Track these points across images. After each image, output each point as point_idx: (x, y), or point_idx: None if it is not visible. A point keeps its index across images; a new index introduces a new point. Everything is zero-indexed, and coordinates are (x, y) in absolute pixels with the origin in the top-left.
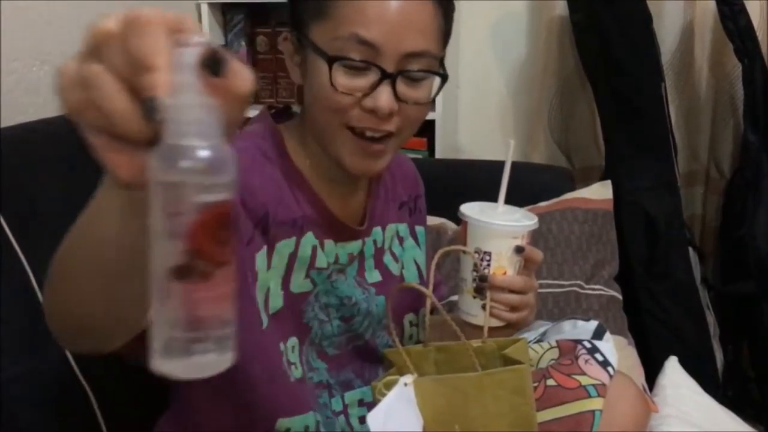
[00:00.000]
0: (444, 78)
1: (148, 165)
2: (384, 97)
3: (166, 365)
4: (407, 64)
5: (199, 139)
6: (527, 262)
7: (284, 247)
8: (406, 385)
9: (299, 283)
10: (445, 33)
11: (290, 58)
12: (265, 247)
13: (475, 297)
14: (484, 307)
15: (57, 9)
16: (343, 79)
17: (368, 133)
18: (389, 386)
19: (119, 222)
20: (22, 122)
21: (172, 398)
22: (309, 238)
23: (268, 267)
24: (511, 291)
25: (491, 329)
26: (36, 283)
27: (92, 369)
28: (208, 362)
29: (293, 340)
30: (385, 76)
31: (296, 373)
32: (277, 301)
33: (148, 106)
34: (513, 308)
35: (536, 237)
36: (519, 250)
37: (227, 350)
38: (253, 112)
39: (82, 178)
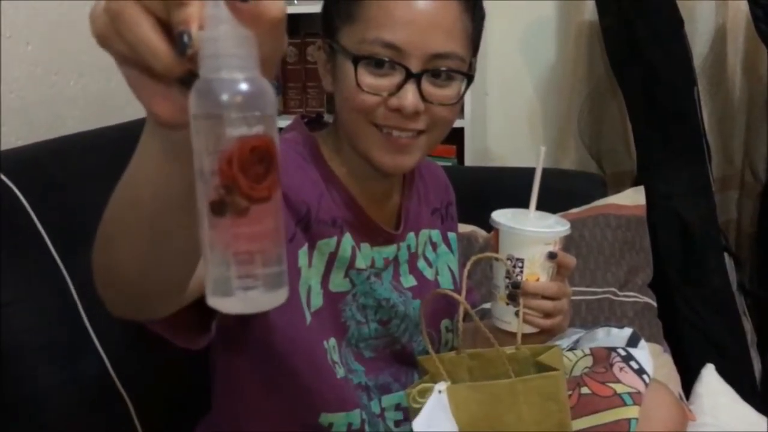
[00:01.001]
0: (470, 78)
1: (189, 103)
2: (409, 95)
3: (219, 302)
4: (433, 64)
5: (235, 71)
6: (560, 268)
7: (325, 245)
8: (440, 392)
9: (338, 282)
10: (473, 36)
11: (323, 66)
12: (306, 245)
13: (508, 304)
14: (517, 314)
15: None
16: (368, 78)
17: (395, 133)
18: (423, 394)
19: (162, 165)
20: (63, 135)
21: (214, 402)
22: (348, 239)
23: (309, 265)
24: (545, 297)
25: (524, 336)
26: (76, 294)
27: (130, 376)
28: (259, 298)
29: (332, 341)
30: (409, 75)
31: (340, 372)
32: (317, 300)
33: (181, 40)
34: (546, 315)
35: (568, 244)
36: (552, 256)
37: (278, 287)
38: (284, 123)
39: None
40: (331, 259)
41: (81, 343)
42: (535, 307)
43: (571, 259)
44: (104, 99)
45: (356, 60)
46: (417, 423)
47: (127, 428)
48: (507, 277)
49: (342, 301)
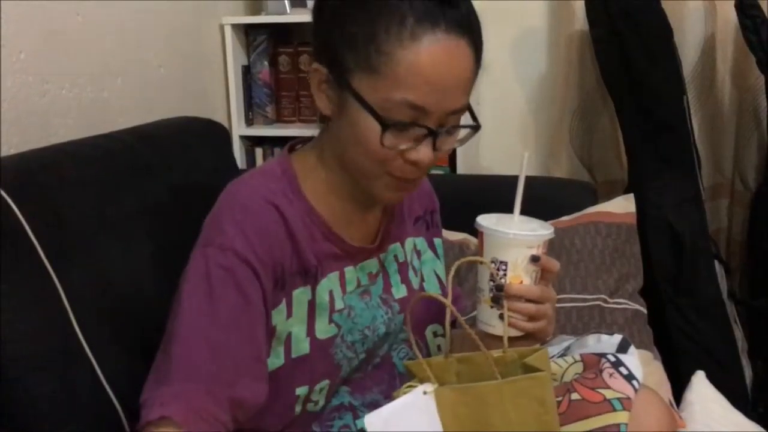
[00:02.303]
0: (477, 128)
1: None
2: (427, 151)
3: None
4: (449, 121)
5: None
6: (544, 272)
7: (301, 294)
8: (425, 393)
9: (324, 329)
10: (475, 79)
11: (318, 86)
12: (283, 300)
13: (492, 307)
14: (501, 317)
15: (87, 33)
16: (390, 139)
17: (407, 181)
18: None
19: None
20: (54, 143)
21: None
22: (324, 285)
23: (289, 315)
24: (528, 300)
25: (511, 340)
26: (67, 303)
27: (122, 385)
28: None
29: (324, 383)
30: (430, 133)
31: (311, 407)
32: (302, 347)
33: None
34: (531, 318)
35: (559, 251)
36: (534, 259)
37: None
38: (278, 131)
39: (112, 199)
40: (311, 308)
41: (73, 352)
42: (519, 309)
43: (554, 263)
44: (97, 108)
45: (385, 125)
46: (369, 418)
47: None
48: (491, 280)
49: (332, 345)
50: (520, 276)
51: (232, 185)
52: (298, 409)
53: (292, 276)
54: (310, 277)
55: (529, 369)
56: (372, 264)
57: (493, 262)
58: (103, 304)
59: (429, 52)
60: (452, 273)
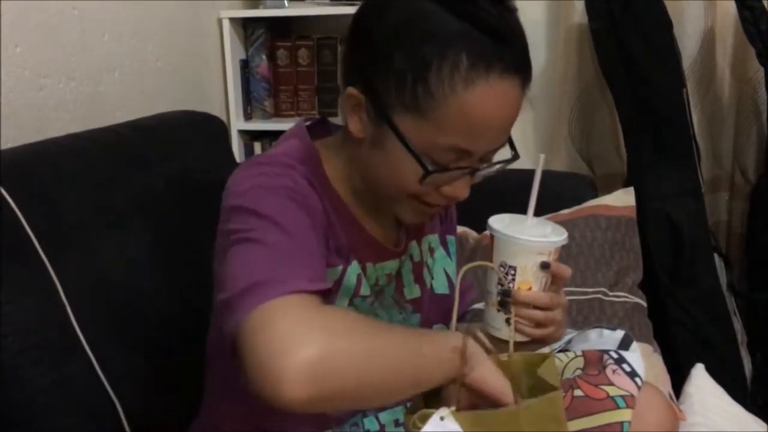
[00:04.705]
0: (515, 159)
1: None
2: (465, 188)
3: None
4: (489, 156)
5: None
6: (555, 278)
7: (330, 273)
8: (442, 419)
9: None
10: None
11: (351, 109)
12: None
13: (499, 311)
14: (508, 321)
15: (85, 27)
16: (430, 179)
17: (435, 207)
18: (424, 419)
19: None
20: (51, 137)
21: (208, 403)
22: (354, 267)
23: None
24: (536, 307)
25: (516, 344)
26: (65, 296)
27: (119, 379)
28: None
29: None
30: (472, 172)
31: None
32: None
33: None
34: (538, 324)
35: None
36: (545, 266)
37: None
38: (276, 126)
39: (109, 192)
40: (336, 288)
41: (70, 345)
42: (526, 316)
43: (565, 270)
44: (94, 102)
45: (427, 171)
46: None
47: (116, 429)
48: (499, 284)
49: None
50: (529, 281)
51: (249, 159)
52: None
53: (327, 249)
54: (343, 257)
55: (534, 375)
56: (392, 265)
57: (502, 266)
58: (100, 298)
59: (482, 98)
60: (459, 277)
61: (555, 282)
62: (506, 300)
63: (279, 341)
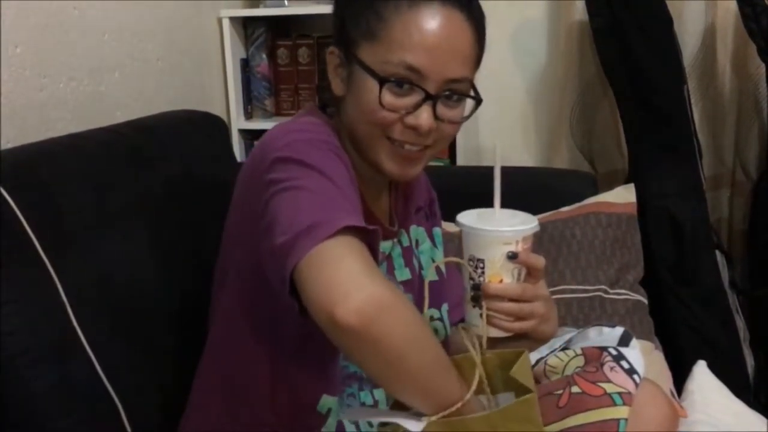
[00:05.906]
0: (478, 102)
1: None
2: (425, 116)
3: None
4: (448, 87)
5: None
6: (531, 270)
7: None
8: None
9: None
10: (478, 58)
11: (334, 70)
12: None
13: (474, 306)
14: (482, 316)
15: (85, 27)
16: (389, 98)
17: (406, 146)
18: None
19: None
20: (51, 137)
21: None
22: None
23: None
24: (512, 300)
25: (506, 340)
26: (65, 295)
27: (120, 377)
28: None
29: None
30: (428, 97)
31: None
32: None
33: None
34: (517, 318)
35: (559, 242)
36: (511, 256)
37: None
38: (273, 124)
39: (110, 193)
40: None
41: (70, 345)
42: (499, 309)
43: (536, 260)
44: (94, 102)
45: (382, 81)
46: None
47: (117, 429)
48: (471, 279)
49: None
50: (499, 274)
51: (280, 123)
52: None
53: None
54: None
55: (507, 370)
56: (386, 245)
57: (471, 259)
58: (101, 297)
59: (424, 17)
60: (429, 276)
61: (532, 274)
62: (478, 294)
63: (347, 273)
